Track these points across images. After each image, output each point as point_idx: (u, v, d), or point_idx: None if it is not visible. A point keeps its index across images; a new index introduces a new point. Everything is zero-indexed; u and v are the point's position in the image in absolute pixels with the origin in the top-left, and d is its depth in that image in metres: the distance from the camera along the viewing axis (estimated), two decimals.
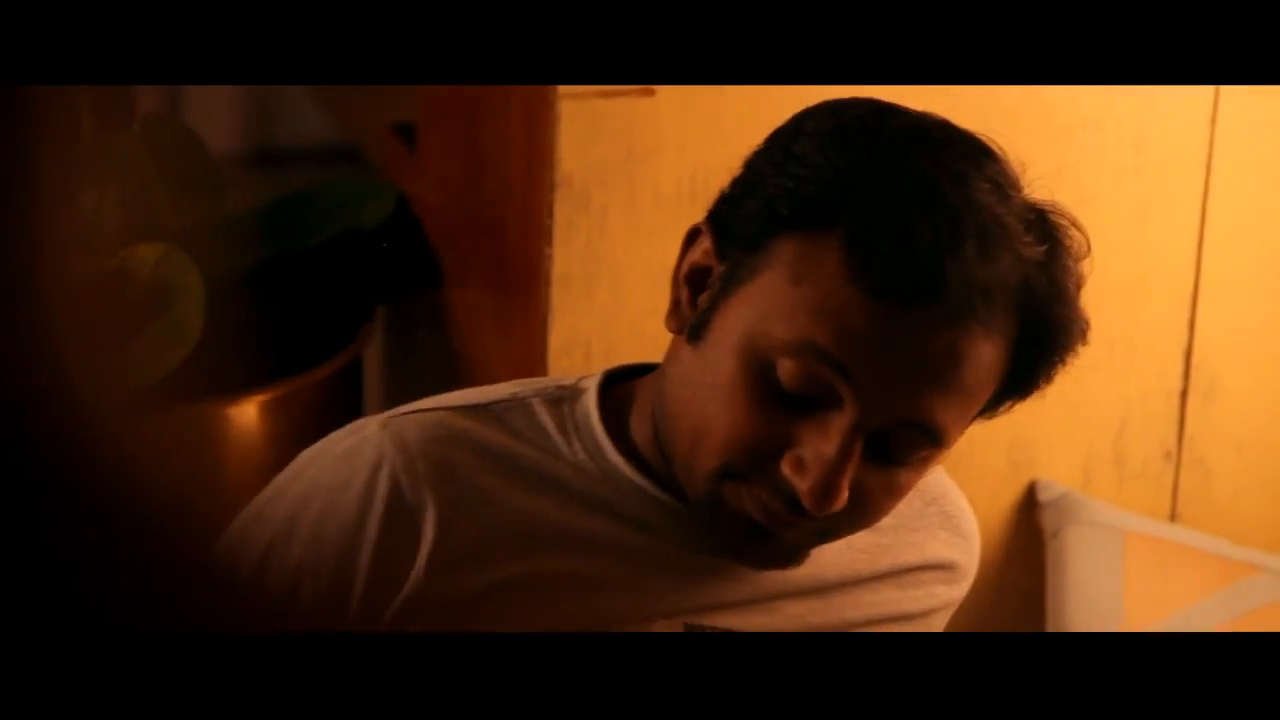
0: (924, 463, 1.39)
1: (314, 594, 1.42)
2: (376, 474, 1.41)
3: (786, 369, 1.34)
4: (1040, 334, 1.38)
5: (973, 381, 1.36)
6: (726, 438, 1.37)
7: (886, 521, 1.50)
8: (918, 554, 1.54)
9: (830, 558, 1.49)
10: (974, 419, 1.41)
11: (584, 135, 2.14)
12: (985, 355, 1.35)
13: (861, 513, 1.39)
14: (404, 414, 1.45)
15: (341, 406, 2.39)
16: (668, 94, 2.15)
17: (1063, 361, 1.41)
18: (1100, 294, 2.28)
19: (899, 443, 1.36)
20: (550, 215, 2.16)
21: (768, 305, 1.35)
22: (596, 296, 2.17)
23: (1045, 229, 1.38)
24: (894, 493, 1.40)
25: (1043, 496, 2.37)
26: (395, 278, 2.51)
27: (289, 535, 1.43)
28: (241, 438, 2.30)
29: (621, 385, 1.49)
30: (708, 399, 1.37)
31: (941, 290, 1.32)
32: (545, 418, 1.46)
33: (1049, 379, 1.42)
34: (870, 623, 1.51)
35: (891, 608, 1.52)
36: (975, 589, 2.37)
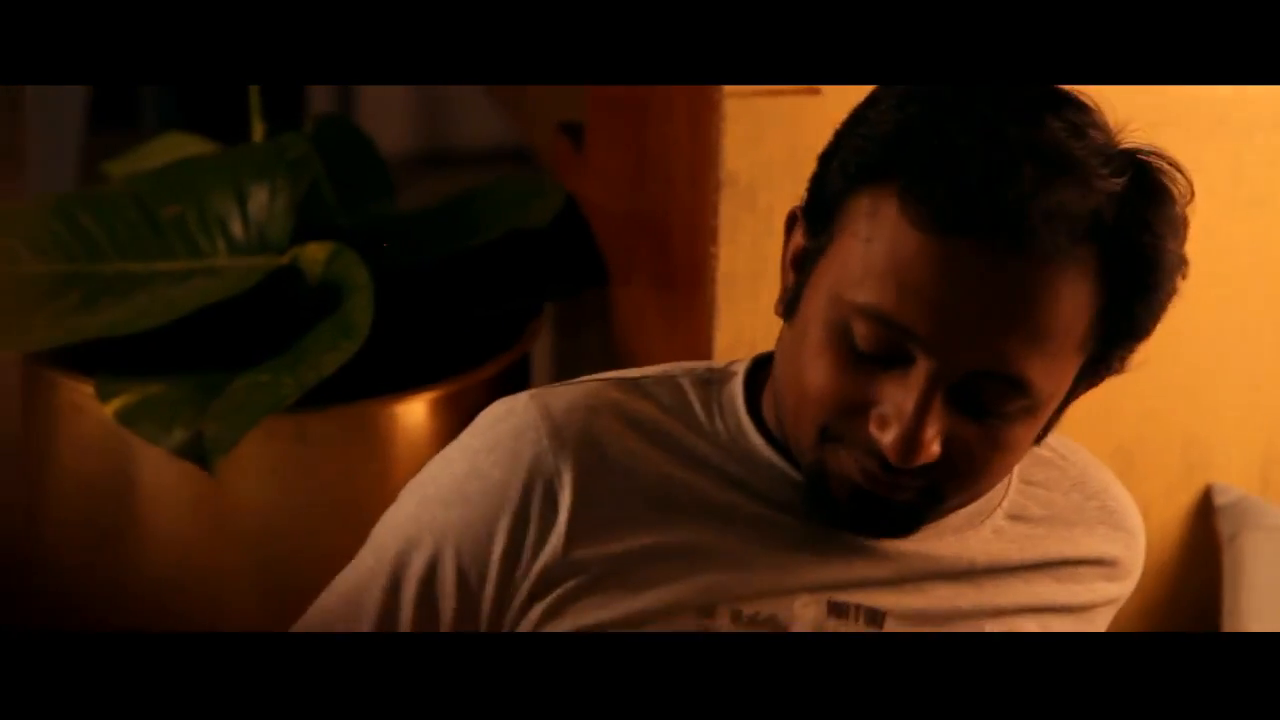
0: (1027, 414, 1.38)
1: (456, 553, 1.43)
2: (520, 439, 1.45)
3: (861, 332, 1.36)
4: (1126, 267, 1.35)
5: (1052, 321, 1.34)
6: (818, 399, 1.38)
7: (1037, 512, 1.49)
8: (1074, 547, 1.52)
9: (977, 544, 1.48)
10: (1089, 372, 1.39)
11: (749, 134, 2.14)
12: (1060, 290, 1.33)
13: (965, 468, 1.39)
14: (557, 386, 1.48)
15: None
16: (833, 93, 2.14)
17: (1160, 300, 1.38)
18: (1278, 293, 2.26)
19: (985, 393, 1.36)
20: (715, 215, 2.16)
21: (842, 268, 1.38)
22: (762, 296, 2.16)
23: (1129, 165, 1.36)
24: (999, 447, 1.39)
25: (1219, 500, 2.34)
26: (562, 276, 2.52)
27: (435, 495, 1.47)
28: (409, 435, 2.32)
29: (764, 372, 1.51)
30: (801, 367, 1.39)
31: (998, 218, 1.31)
32: (693, 396, 1.48)
33: (1152, 320, 1.39)
34: (1024, 610, 1.50)
35: (1048, 598, 1.51)
36: (1149, 591, 2.37)
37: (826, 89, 2.14)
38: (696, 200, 2.21)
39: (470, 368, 2.37)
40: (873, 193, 1.36)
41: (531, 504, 1.44)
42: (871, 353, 1.36)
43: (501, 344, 2.42)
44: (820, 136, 2.15)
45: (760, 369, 1.51)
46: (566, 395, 1.47)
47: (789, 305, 1.43)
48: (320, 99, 4.58)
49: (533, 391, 1.49)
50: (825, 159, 1.43)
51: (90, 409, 2.24)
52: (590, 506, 1.44)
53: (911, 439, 1.35)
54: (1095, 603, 1.54)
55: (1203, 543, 2.34)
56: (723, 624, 1.42)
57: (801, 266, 1.43)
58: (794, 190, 2.15)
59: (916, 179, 1.33)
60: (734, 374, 1.50)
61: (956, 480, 1.40)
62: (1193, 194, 1.37)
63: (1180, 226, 1.37)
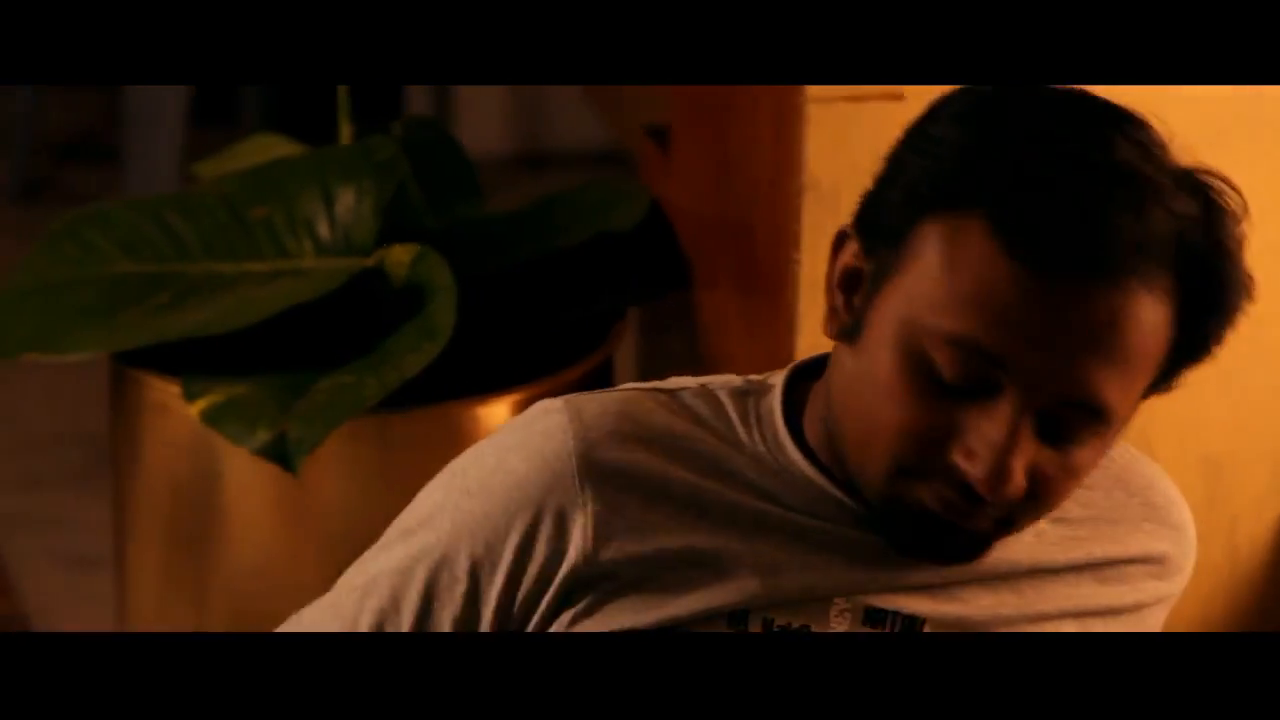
0: (1099, 438, 1.37)
1: (470, 541, 1.45)
2: (549, 440, 1.44)
3: (944, 360, 1.34)
4: (1204, 292, 1.36)
5: (1136, 348, 1.34)
6: (894, 434, 1.37)
7: (1078, 512, 1.48)
8: (1119, 546, 1.50)
9: (1018, 547, 1.46)
10: (1148, 392, 1.39)
11: (832, 139, 2.13)
12: (1147, 318, 1.33)
13: (1041, 497, 1.38)
14: (593, 393, 1.49)
15: None
16: (916, 98, 2.12)
17: (1231, 321, 1.38)
18: None
19: (1068, 422, 1.35)
20: (798, 219, 2.15)
21: (919, 295, 1.35)
22: None
23: (1197, 187, 1.36)
24: (1072, 473, 1.38)
25: None
26: (647, 279, 2.52)
27: (461, 485, 1.48)
28: None
29: (804, 384, 1.49)
30: (871, 398, 1.37)
31: (1096, 252, 1.30)
32: (730, 408, 1.48)
33: (1219, 341, 1.39)
34: (1067, 615, 1.48)
35: (1093, 601, 1.49)
36: (1239, 601, 2.34)
37: (909, 93, 2.13)
38: (779, 205, 2.20)
39: (554, 370, 2.38)
40: (951, 219, 1.34)
41: (548, 503, 1.44)
42: (956, 383, 1.35)
43: (585, 347, 2.43)
44: None
45: (799, 380, 1.50)
46: (600, 401, 1.47)
47: (849, 330, 1.41)
48: (417, 102, 4.61)
49: (568, 396, 1.49)
50: (887, 180, 1.41)
51: (176, 409, 2.26)
52: (616, 511, 1.43)
53: (1002, 471, 1.34)
54: (1144, 602, 1.52)
55: None
56: (755, 631, 1.42)
57: (853, 288, 1.42)
58: None
59: (1007, 211, 1.32)
60: (772, 386, 1.49)
61: (1033, 507, 1.40)
62: (1247, 210, 1.37)
63: (1243, 245, 1.37)
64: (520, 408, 2.33)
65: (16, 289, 2.37)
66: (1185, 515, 1.55)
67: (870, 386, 1.38)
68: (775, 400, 1.47)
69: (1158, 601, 1.53)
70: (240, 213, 2.40)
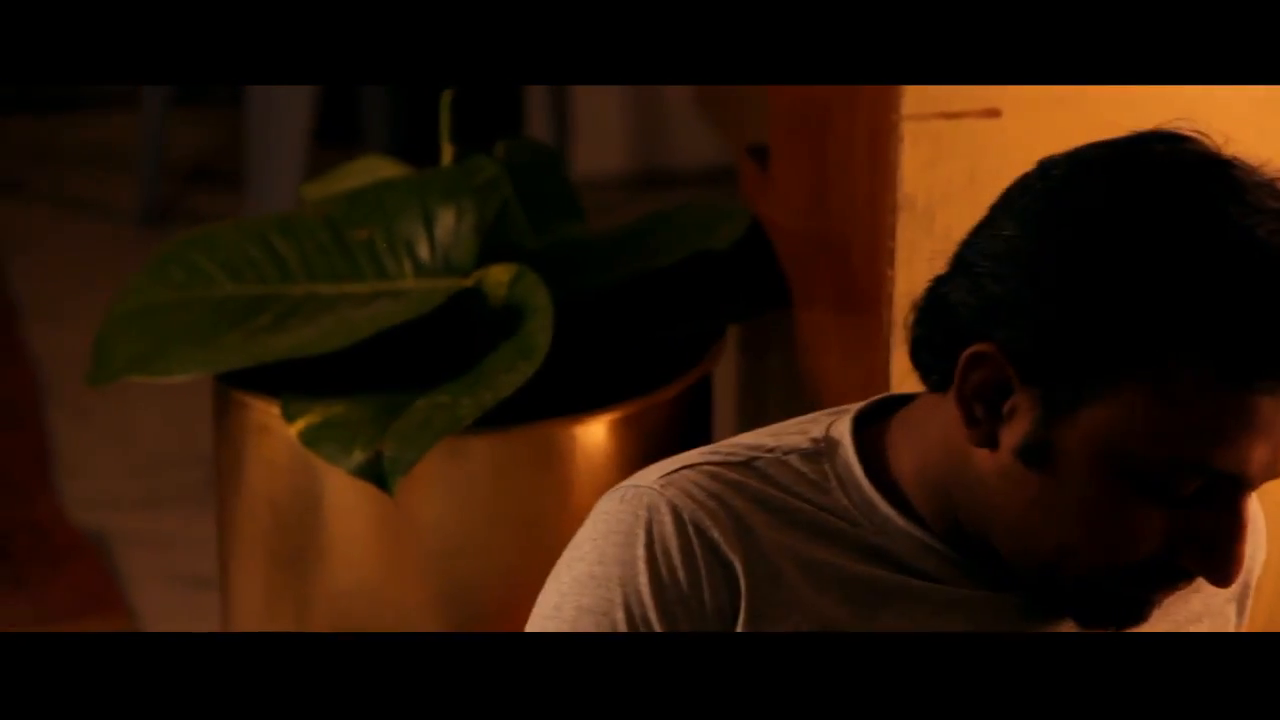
0: None
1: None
2: (682, 524, 1.39)
3: (1174, 484, 1.34)
4: None
5: None
6: (1114, 556, 1.37)
7: None
8: None
9: None
10: None
11: (927, 157, 2.12)
12: None
13: None
14: (668, 473, 1.44)
15: (691, 425, 2.41)
16: (1012, 116, 2.12)
17: None
18: None
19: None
20: (893, 237, 2.14)
21: (1137, 429, 1.33)
22: None
23: None
24: None
25: None
26: (745, 297, 2.52)
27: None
28: (589, 456, 2.34)
29: (873, 428, 1.47)
30: (1077, 525, 1.36)
31: None
32: (807, 472, 1.44)
33: None
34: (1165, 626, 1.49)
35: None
36: None
37: (1005, 111, 2.12)
38: (875, 223, 2.20)
39: (652, 389, 2.38)
40: (1168, 365, 1.33)
41: (714, 588, 1.40)
42: (1183, 497, 1.35)
43: (684, 365, 2.43)
44: (998, 158, 2.14)
45: (864, 427, 1.48)
46: (695, 479, 1.42)
47: (1033, 452, 1.37)
48: (536, 121, 4.63)
49: (648, 480, 1.43)
50: (1055, 325, 1.35)
51: (277, 429, 2.28)
52: (757, 590, 1.41)
53: (1238, 561, 1.36)
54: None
55: None
56: None
57: (998, 391, 1.38)
58: (971, 213, 2.12)
59: (1235, 353, 1.31)
60: (839, 442, 1.46)
61: None
62: None
63: None
64: (617, 426, 2.35)
65: (123, 311, 2.40)
66: (1255, 504, 1.55)
67: (1078, 513, 1.36)
68: (851, 458, 1.45)
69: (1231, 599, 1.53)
70: (342, 234, 2.43)
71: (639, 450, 2.32)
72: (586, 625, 1.39)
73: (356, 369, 2.32)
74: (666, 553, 1.39)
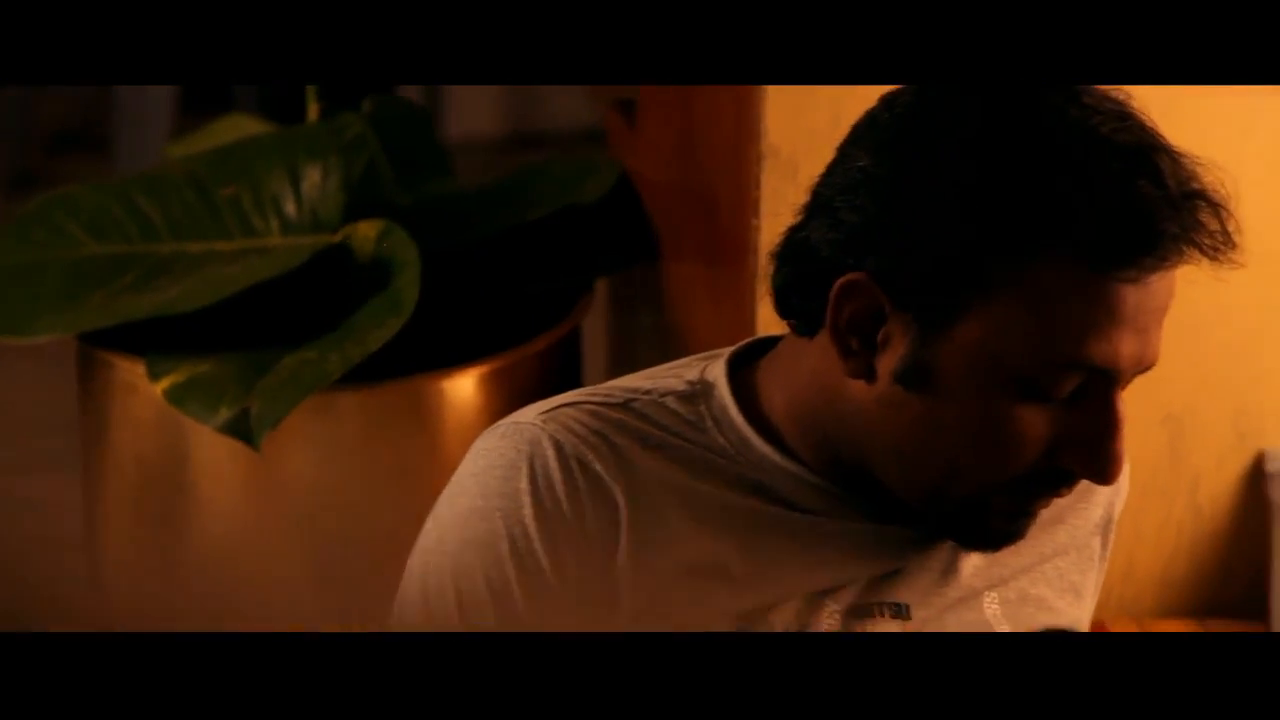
0: None
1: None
2: (564, 457, 1.39)
3: (1052, 382, 1.35)
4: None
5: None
6: (1002, 467, 1.38)
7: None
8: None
9: None
10: None
11: (791, 107, 2.13)
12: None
13: None
14: (548, 410, 1.44)
15: (560, 378, 2.42)
16: None
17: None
18: None
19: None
20: (758, 187, 2.15)
21: (1012, 335, 1.35)
22: None
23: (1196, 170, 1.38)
24: None
25: (1271, 467, 2.32)
26: (614, 251, 2.53)
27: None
28: (458, 410, 2.34)
29: (745, 370, 1.48)
30: (963, 439, 1.37)
31: (1177, 245, 1.33)
32: (683, 413, 1.45)
33: None
34: (1034, 565, 1.50)
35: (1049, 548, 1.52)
36: (1202, 559, 2.35)
37: None
38: (740, 173, 2.21)
39: (521, 342, 2.38)
40: (1035, 262, 1.34)
41: (592, 516, 1.39)
42: (1059, 395, 1.36)
43: (553, 319, 2.43)
44: (860, 107, 2.15)
45: (737, 369, 1.49)
46: (577, 415, 1.42)
47: (911, 374, 1.38)
48: (408, 87, 4.61)
49: (529, 417, 1.43)
50: (914, 233, 1.36)
51: (143, 388, 2.27)
52: (639, 520, 1.40)
53: (1116, 458, 1.37)
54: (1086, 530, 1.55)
55: (1254, 510, 2.33)
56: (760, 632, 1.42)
57: (872, 321, 1.38)
58: None
59: (1095, 236, 1.33)
60: (714, 384, 1.46)
61: None
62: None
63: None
64: (486, 381, 2.35)
65: None
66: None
67: (962, 430, 1.37)
68: (726, 398, 1.45)
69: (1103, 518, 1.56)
70: (208, 192, 2.41)
71: (508, 404, 2.32)
72: (470, 558, 1.39)
73: (225, 327, 2.31)
74: (550, 484, 1.39)
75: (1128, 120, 1.36)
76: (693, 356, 1.52)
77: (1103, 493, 1.55)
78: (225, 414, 2.16)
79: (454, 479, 1.44)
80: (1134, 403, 2.18)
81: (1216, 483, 2.31)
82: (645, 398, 1.45)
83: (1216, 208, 1.35)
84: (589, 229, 2.50)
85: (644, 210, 2.51)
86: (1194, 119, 1.93)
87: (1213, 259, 1.35)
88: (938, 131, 1.36)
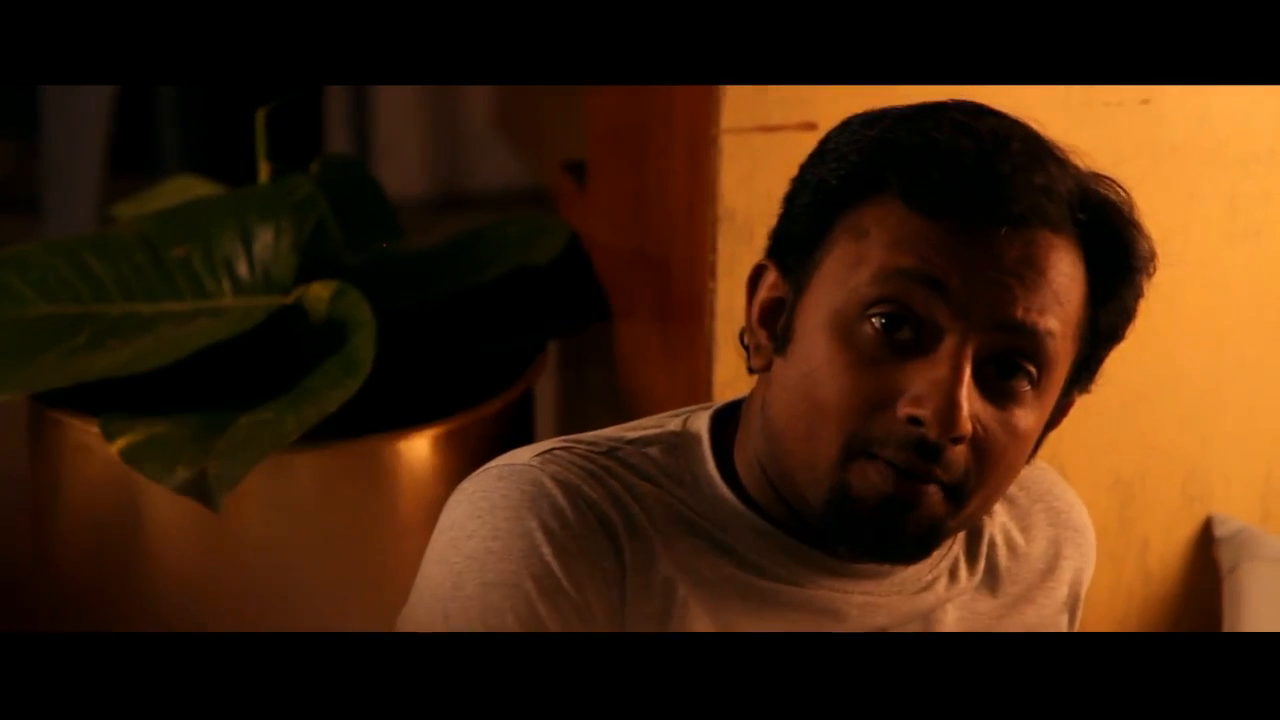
0: (1035, 399, 1.41)
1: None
2: (569, 495, 1.41)
3: (879, 310, 1.39)
4: (1110, 250, 1.42)
5: (1056, 286, 1.40)
6: (840, 409, 1.39)
7: (1010, 588, 1.52)
8: (1044, 589, 1.55)
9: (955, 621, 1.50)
10: (1071, 376, 1.44)
11: (746, 170, 2.15)
12: (1062, 260, 1.40)
13: (987, 459, 1.41)
14: (541, 453, 1.45)
15: (513, 439, 2.41)
16: (829, 128, 2.15)
17: (1139, 288, 1.44)
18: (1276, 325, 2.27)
19: (1001, 372, 1.40)
20: (714, 250, 2.17)
21: (842, 274, 1.40)
22: None
23: (1089, 173, 1.44)
24: (1014, 435, 1.41)
25: (1219, 532, 2.35)
26: (566, 312, 2.54)
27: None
28: (413, 471, 2.34)
29: (728, 425, 1.50)
30: (810, 388, 1.40)
31: (1002, 200, 1.38)
32: (665, 464, 1.47)
33: (1127, 318, 1.45)
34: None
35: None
36: (1151, 622, 2.37)
37: (821, 124, 2.16)
38: (695, 236, 2.22)
39: (475, 404, 2.39)
40: (863, 208, 1.41)
41: (603, 560, 1.42)
42: (893, 335, 1.38)
43: (505, 380, 2.44)
44: None
45: (720, 424, 1.50)
46: (570, 460, 1.44)
47: (781, 341, 1.44)
48: (336, 141, 4.62)
49: (525, 459, 1.45)
50: (792, 198, 1.47)
51: (96, 449, 2.26)
52: (636, 562, 1.42)
53: (952, 406, 1.37)
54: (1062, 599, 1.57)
55: (1203, 574, 2.35)
56: None
57: (775, 318, 1.45)
58: None
59: (916, 183, 1.39)
60: (697, 437, 1.49)
61: (980, 471, 1.41)
62: (1135, 206, 1.44)
63: (1140, 218, 1.45)
64: (440, 442, 2.35)
65: None
66: (1085, 518, 1.59)
67: (809, 379, 1.40)
68: (706, 452, 1.47)
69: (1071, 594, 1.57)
70: (159, 253, 2.41)
71: (463, 464, 2.33)
72: (496, 599, 1.39)
73: (178, 388, 2.30)
74: (563, 522, 1.40)
75: (1007, 124, 1.42)
76: (674, 411, 1.54)
77: (1069, 569, 1.56)
78: (183, 474, 2.16)
79: (449, 523, 1.44)
80: (1083, 467, 2.23)
81: (1166, 547, 2.33)
82: (628, 447, 1.47)
83: (1050, 181, 1.39)
84: (541, 291, 2.51)
85: (594, 272, 2.52)
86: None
87: (1029, 226, 1.38)
88: (839, 129, 1.46)
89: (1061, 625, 1.57)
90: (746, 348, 1.47)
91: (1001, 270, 1.38)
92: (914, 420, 1.38)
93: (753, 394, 1.48)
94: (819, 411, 1.40)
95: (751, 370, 1.46)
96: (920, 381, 1.38)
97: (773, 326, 1.44)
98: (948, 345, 1.38)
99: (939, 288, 1.37)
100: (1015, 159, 1.39)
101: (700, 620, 1.43)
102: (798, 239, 1.44)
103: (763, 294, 1.46)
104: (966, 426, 1.38)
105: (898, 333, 1.38)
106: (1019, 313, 1.38)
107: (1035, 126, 1.44)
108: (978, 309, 1.38)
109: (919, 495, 1.40)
